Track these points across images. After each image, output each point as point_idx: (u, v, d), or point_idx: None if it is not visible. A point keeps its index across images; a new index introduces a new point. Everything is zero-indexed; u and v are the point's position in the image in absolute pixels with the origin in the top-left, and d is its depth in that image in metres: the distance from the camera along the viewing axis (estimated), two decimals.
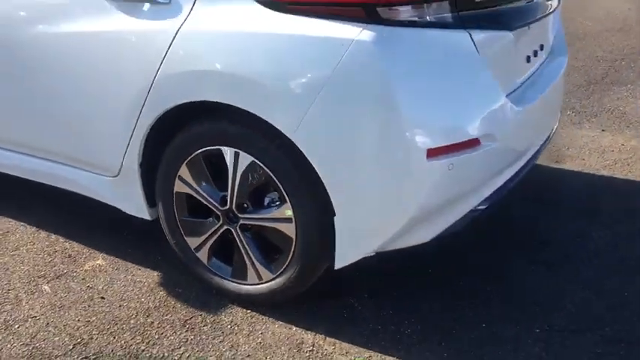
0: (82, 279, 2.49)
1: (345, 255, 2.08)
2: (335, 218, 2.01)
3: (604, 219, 2.93)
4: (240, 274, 2.30)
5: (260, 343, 2.15)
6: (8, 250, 2.69)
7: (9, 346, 2.13)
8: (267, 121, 1.96)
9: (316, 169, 1.95)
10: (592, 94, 4.64)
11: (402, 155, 1.87)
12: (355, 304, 2.33)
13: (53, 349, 2.12)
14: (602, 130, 4.02)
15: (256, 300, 2.31)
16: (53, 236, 2.78)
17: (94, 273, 2.53)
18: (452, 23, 1.90)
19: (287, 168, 2.02)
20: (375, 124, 1.87)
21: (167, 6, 2.05)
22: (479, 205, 2.10)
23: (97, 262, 2.60)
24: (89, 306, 2.33)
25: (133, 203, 2.44)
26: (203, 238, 2.32)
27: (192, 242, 2.36)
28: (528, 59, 2.36)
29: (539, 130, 2.42)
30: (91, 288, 2.44)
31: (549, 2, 2.49)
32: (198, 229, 2.33)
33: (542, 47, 2.53)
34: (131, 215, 2.46)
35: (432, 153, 1.87)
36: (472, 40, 1.94)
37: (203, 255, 2.36)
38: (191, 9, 2.02)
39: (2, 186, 3.02)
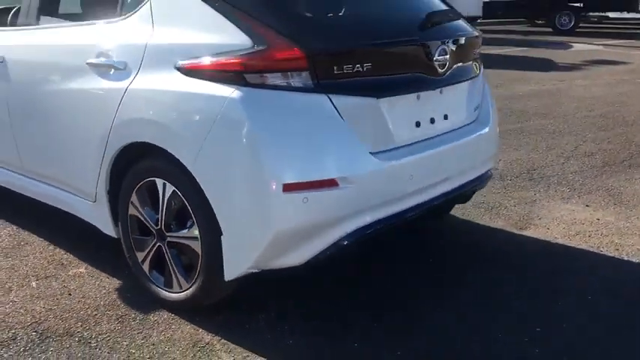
0: (63, 280, 3.14)
1: (230, 270, 2.56)
2: (222, 237, 2.53)
3: (523, 275, 3.18)
4: (169, 284, 2.84)
5: (168, 337, 2.64)
6: (19, 256, 3.41)
7: None
8: (177, 158, 2.55)
9: (207, 196, 2.50)
10: (600, 175, 4.78)
11: (263, 188, 2.36)
12: (260, 317, 2.78)
13: (16, 323, 2.75)
14: (586, 206, 4.17)
15: (180, 305, 2.82)
16: (57, 249, 3.49)
17: (73, 277, 3.17)
18: (312, 88, 2.41)
19: (193, 195, 2.57)
20: (245, 162, 2.39)
21: (122, 71, 2.75)
22: (342, 239, 2.51)
23: (80, 270, 3.24)
24: (57, 299, 2.95)
25: (105, 223, 3.10)
26: (145, 252, 2.90)
27: (140, 256, 2.94)
28: (418, 124, 2.79)
29: (425, 181, 2.79)
30: (65, 287, 3.07)
31: (452, 77, 2.91)
32: (142, 245, 2.91)
33: (445, 117, 2.93)
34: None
35: (288, 187, 2.36)
36: (332, 102, 2.43)
37: (146, 267, 2.93)
38: (136, 74, 2.70)
39: (25, 207, 3.79)
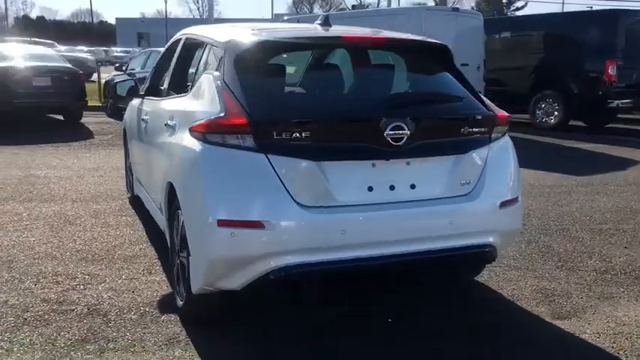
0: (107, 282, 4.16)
1: (194, 285, 3.22)
2: (190, 258, 3.24)
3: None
4: (180, 294, 3.63)
5: (133, 340, 3.33)
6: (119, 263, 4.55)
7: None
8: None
9: (184, 224, 3.26)
10: None
11: (205, 221, 3.02)
12: (217, 333, 3.37)
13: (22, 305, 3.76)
14: None
15: (184, 313, 3.57)
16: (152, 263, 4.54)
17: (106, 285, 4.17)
18: (254, 148, 3.00)
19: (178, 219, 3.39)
20: (198, 199, 3.09)
21: (173, 129, 3.69)
22: (269, 273, 3.00)
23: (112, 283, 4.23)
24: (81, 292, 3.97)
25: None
26: (174, 266, 3.73)
27: (174, 269, 3.79)
28: (371, 189, 3.14)
29: (367, 239, 3.09)
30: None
31: (419, 151, 3.18)
32: (173, 259, 3.74)
33: (412, 186, 3.21)
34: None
35: (221, 223, 2.98)
36: (269, 160, 2.99)
37: (174, 279, 3.75)
38: (177, 132, 3.60)
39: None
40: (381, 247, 3.16)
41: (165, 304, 3.75)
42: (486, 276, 4.29)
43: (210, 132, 3.08)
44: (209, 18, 48.23)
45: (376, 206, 3.15)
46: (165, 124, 3.88)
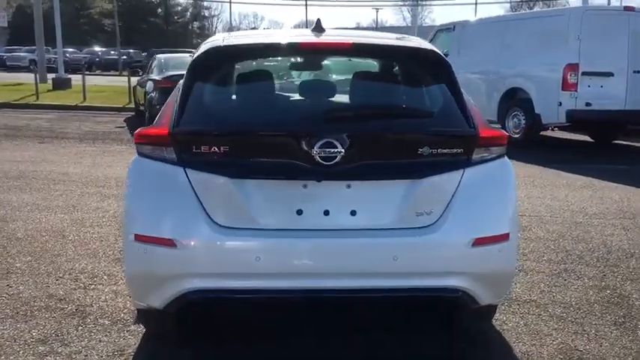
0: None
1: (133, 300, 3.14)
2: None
3: None
4: None
5: (83, 347, 3.31)
6: None
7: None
8: None
9: None
10: None
11: (126, 233, 2.89)
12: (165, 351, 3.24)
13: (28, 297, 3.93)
14: None
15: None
16: None
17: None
18: (173, 161, 2.81)
19: None
20: (124, 210, 2.96)
21: None
22: (187, 293, 2.78)
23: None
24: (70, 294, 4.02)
25: None
26: None
27: None
28: (300, 212, 2.77)
29: (287, 268, 2.74)
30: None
31: (359, 173, 2.76)
32: None
33: (353, 212, 2.78)
34: None
35: (137, 238, 2.83)
36: (186, 174, 2.78)
37: None
38: None
39: None
40: (307, 279, 2.79)
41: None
42: (514, 323, 3.60)
43: (137, 142, 2.97)
44: (412, 26, 48.27)
45: (305, 232, 2.78)
46: None
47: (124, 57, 43.63)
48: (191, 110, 2.90)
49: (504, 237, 2.89)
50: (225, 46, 3.08)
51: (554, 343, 3.40)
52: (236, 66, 3.35)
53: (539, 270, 4.54)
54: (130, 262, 2.93)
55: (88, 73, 23.08)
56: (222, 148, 2.76)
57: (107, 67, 43.72)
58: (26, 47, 43.40)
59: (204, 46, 3.15)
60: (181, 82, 3.05)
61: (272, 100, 3.20)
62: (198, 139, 2.80)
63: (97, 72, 40.12)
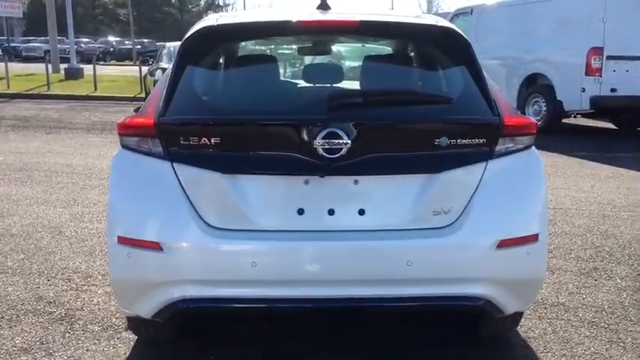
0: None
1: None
2: None
3: None
4: None
5: (69, 357, 3.02)
6: None
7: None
8: None
9: None
10: None
11: (110, 235, 2.58)
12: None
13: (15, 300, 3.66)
14: None
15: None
16: None
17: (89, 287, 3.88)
18: (160, 154, 2.50)
19: None
20: (108, 209, 2.65)
21: None
22: (176, 302, 2.49)
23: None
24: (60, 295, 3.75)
25: None
26: None
27: None
28: (301, 211, 2.46)
29: (288, 275, 2.43)
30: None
31: (368, 168, 2.45)
32: None
33: (361, 212, 2.47)
34: None
35: (121, 240, 2.53)
36: (174, 170, 2.47)
37: None
38: None
39: None
40: (308, 287, 2.48)
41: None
42: (541, 330, 3.27)
43: (121, 133, 2.66)
44: (428, 13, 48.00)
45: (306, 234, 2.47)
46: None
47: (138, 46, 43.39)
48: (180, 98, 2.58)
49: (533, 238, 2.56)
50: (219, 26, 2.71)
51: (587, 353, 3.06)
52: (231, 48, 3.03)
53: (567, 269, 4.20)
54: (113, 267, 2.63)
55: (102, 63, 22.88)
56: (213, 140, 2.45)
57: (121, 57, 43.49)
58: (42, 38, 43.26)
59: (195, 26, 2.82)
60: (170, 66, 2.74)
61: (270, 86, 2.85)
62: (187, 129, 2.49)
63: (112, 62, 40.00)
